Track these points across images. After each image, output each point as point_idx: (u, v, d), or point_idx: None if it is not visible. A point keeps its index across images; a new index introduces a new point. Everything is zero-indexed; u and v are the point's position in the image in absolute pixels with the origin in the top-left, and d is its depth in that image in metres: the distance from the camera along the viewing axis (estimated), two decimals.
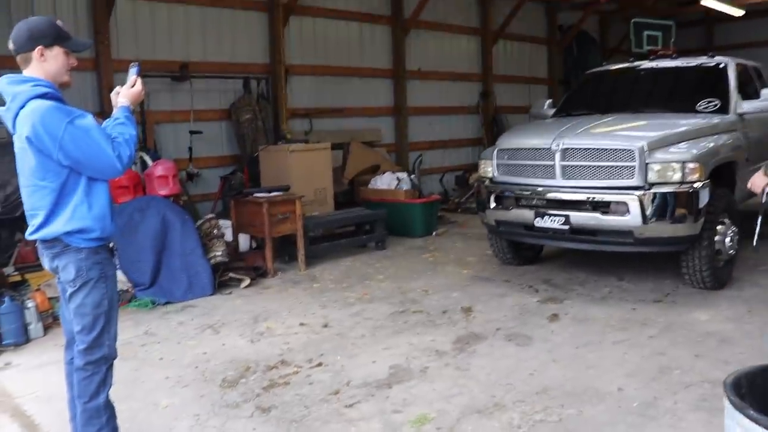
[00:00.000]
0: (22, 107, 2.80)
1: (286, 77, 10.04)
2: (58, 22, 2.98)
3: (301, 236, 7.49)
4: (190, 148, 8.83)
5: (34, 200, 2.93)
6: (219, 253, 6.88)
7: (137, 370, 4.66)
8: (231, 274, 6.92)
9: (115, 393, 3.18)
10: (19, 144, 2.87)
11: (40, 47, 2.88)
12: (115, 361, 3.13)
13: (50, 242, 2.95)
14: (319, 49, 10.81)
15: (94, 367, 3.01)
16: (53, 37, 2.92)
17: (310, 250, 7.72)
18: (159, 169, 7.11)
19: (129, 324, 5.64)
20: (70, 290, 2.97)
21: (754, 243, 3.85)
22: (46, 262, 3.05)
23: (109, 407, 3.08)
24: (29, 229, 3.00)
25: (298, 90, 10.44)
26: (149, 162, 7.53)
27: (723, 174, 6.21)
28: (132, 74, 3.14)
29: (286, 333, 5.36)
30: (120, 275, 6.11)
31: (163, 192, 6.98)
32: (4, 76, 2.91)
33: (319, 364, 4.64)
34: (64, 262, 2.94)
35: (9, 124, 2.88)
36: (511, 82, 14.92)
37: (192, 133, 8.84)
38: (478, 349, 4.82)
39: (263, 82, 9.85)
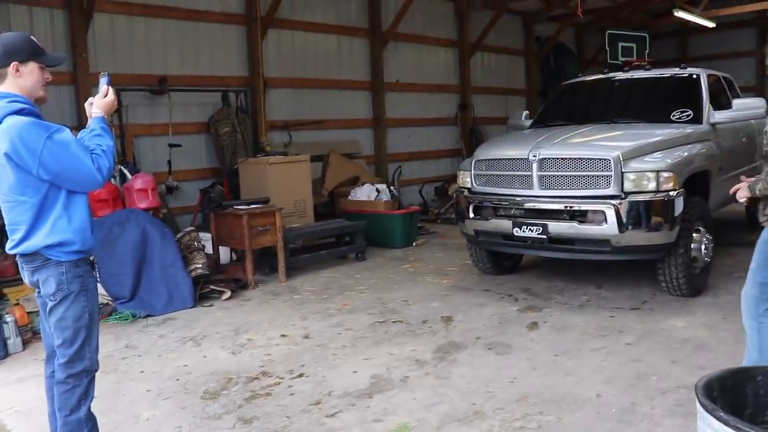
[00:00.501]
0: None
1: (264, 90, 10.07)
2: (33, 38, 3.00)
3: (281, 248, 7.50)
4: (170, 161, 8.81)
5: (14, 215, 2.93)
6: (199, 266, 6.87)
7: (118, 383, 4.65)
8: (212, 287, 6.91)
9: (96, 406, 3.17)
10: None
11: (15, 63, 2.89)
12: (96, 374, 3.12)
13: (30, 256, 2.95)
14: (297, 61, 10.85)
15: (76, 380, 3.00)
16: (28, 52, 2.94)
17: (291, 262, 7.73)
18: (138, 183, 7.10)
19: (109, 337, 5.61)
20: (50, 304, 2.97)
21: None
22: (26, 277, 3.05)
23: (90, 420, 3.08)
24: (9, 244, 2.99)
25: (276, 102, 10.47)
26: (128, 175, 7.51)
27: (697, 183, 6.32)
28: (102, 84, 3.17)
29: (267, 344, 5.36)
30: (100, 289, 6.08)
31: (142, 205, 6.97)
32: None
33: (300, 375, 4.65)
34: (45, 275, 2.95)
35: None
36: (489, 94, 15.06)
37: (171, 146, 8.82)
38: (458, 358, 4.86)
39: (242, 94, 9.86)
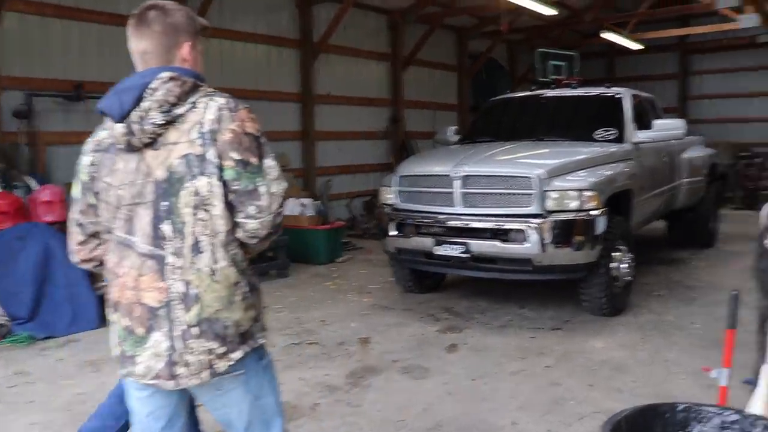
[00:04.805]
0: None
1: None
2: None
3: None
4: None
5: None
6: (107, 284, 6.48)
7: (1, 416, 4.27)
8: None
9: None
10: None
11: None
12: None
13: None
14: (225, 71, 10.53)
15: None
16: None
17: None
18: (45, 194, 6.68)
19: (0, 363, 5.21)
20: None
21: None
22: None
23: None
24: None
25: None
26: (35, 186, 7.07)
27: (620, 202, 6.30)
28: None
29: None
30: None
31: (48, 218, 6.54)
32: None
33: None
34: None
35: None
36: (421, 108, 15.00)
37: None
38: (372, 383, 4.66)
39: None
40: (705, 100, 18.97)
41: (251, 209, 1.99)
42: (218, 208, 1.98)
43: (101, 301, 6.22)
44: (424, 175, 6.30)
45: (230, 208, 2.00)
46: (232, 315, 2.00)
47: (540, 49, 13.67)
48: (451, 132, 7.97)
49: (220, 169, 1.97)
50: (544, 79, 12.26)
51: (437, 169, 6.21)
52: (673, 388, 4.48)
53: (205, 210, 1.97)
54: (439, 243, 5.98)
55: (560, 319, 6.12)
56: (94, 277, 6.40)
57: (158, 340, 1.97)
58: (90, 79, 8.63)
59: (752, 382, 2.97)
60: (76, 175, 2.16)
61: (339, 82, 12.72)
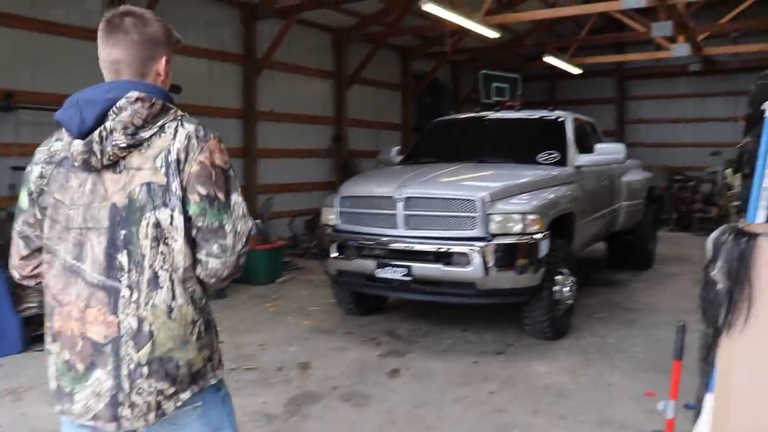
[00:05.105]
0: None
1: None
2: None
3: None
4: (12, 186, 7.99)
5: None
6: (33, 305, 6.15)
7: None
8: None
9: None
10: None
11: None
12: None
13: None
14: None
15: None
16: None
17: None
18: None
19: None
20: None
21: None
22: None
23: None
24: None
25: None
26: None
27: (562, 225, 6.30)
28: None
29: None
30: None
31: None
32: None
33: None
34: None
35: None
36: (364, 127, 14.93)
37: (15, 169, 8.01)
38: (311, 412, 4.49)
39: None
40: (641, 125, 19.46)
41: (214, 248, 1.87)
42: (179, 242, 1.84)
43: (26, 323, 5.93)
44: (367, 196, 6.19)
45: (191, 243, 1.87)
46: (186, 355, 1.87)
47: (484, 71, 13.83)
48: (394, 152, 7.89)
49: (184, 202, 1.85)
50: (488, 101, 12.38)
51: (380, 190, 6.11)
52: (616, 413, 4.45)
53: (166, 243, 1.84)
54: (381, 265, 5.86)
55: (503, 343, 6.07)
56: (17, 298, 6.07)
57: (100, 378, 1.82)
58: (22, 89, 8.28)
59: (693, 407, 2.95)
60: (23, 184, 2.00)
61: (282, 99, 12.55)
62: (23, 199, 1.99)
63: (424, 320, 6.83)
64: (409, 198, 5.81)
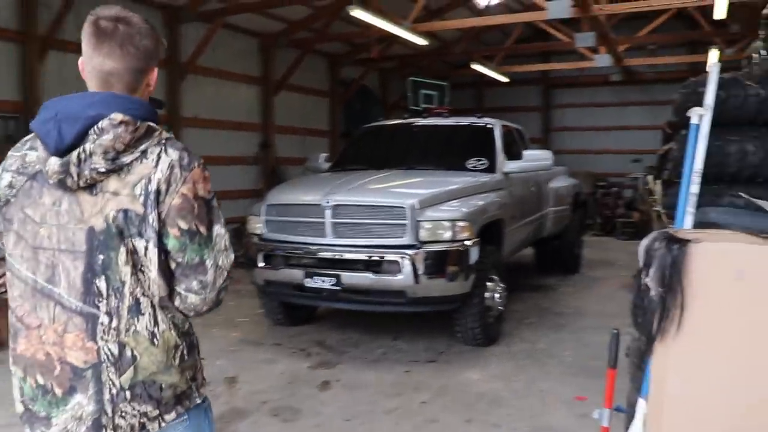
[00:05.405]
0: None
1: None
2: None
3: None
4: None
5: None
6: None
7: None
8: None
9: None
10: None
11: None
12: None
13: None
14: (83, 89, 9.80)
15: None
16: None
17: None
18: None
19: None
20: None
21: None
22: None
23: None
24: None
25: None
26: None
27: (491, 231, 6.30)
28: None
29: None
30: None
31: None
32: None
33: None
34: None
35: None
36: (292, 134, 14.72)
37: None
38: (239, 429, 4.32)
39: (13, 121, 8.71)
40: (566, 132, 19.89)
41: (194, 284, 1.77)
42: (153, 273, 1.73)
43: None
44: (294, 204, 6.03)
45: (166, 275, 1.76)
46: (170, 378, 1.77)
47: (412, 78, 13.85)
48: (322, 159, 7.75)
49: (162, 235, 1.73)
50: (416, 108, 12.38)
51: (307, 198, 5.96)
52: (549, 419, 4.44)
53: (142, 272, 1.73)
54: (309, 275, 5.71)
55: (435, 351, 6.01)
56: None
57: (81, 402, 1.71)
58: None
59: (623, 410, 2.94)
60: None
61: (208, 104, 12.24)
62: None
63: (354, 329, 6.71)
64: (338, 206, 5.69)
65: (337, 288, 5.62)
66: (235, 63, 12.91)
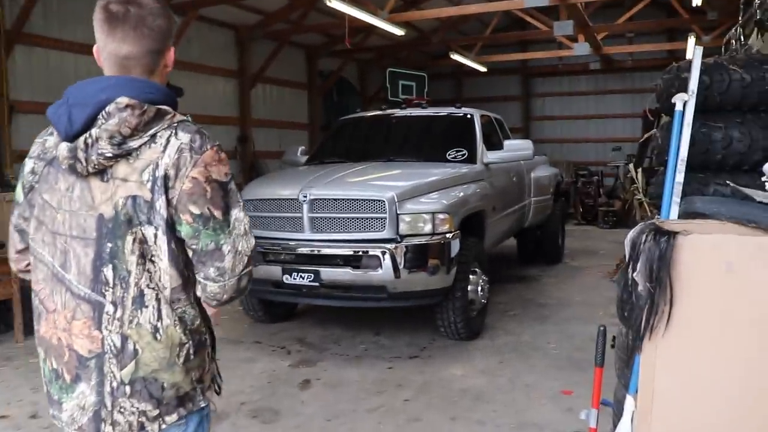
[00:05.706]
0: None
1: (10, 115, 8.77)
2: None
3: (18, 302, 6.35)
4: None
5: None
6: None
7: None
8: None
9: None
10: None
11: None
12: None
13: None
14: (53, 84, 9.61)
15: None
16: None
17: (31, 319, 6.57)
18: None
19: None
20: None
21: None
22: None
23: None
24: None
25: (26, 130, 9.12)
26: None
27: (473, 223, 6.20)
28: None
29: None
30: None
31: None
32: None
33: None
34: None
35: None
36: (270, 127, 14.57)
37: None
38: (216, 431, 4.20)
39: None
40: (546, 121, 19.88)
41: (211, 271, 1.71)
42: (164, 262, 1.69)
43: None
44: (270, 199, 5.88)
45: (177, 265, 1.71)
46: (172, 377, 1.73)
47: (390, 69, 13.74)
48: (299, 152, 7.60)
49: (174, 222, 1.68)
50: (395, 99, 12.27)
51: (284, 192, 5.82)
52: (534, 414, 4.36)
53: (152, 261, 1.69)
54: (287, 271, 5.57)
55: (417, 346, 5.91)
56: None
57: (84, 392, 1.72)
58: None
59: (610, 404, 2.87)
60: (20, 176, 1.83)
61: (183, 98, 11.84)
62: (19, 192, 1.84)
63: (336, 325, 6.60)
64: (315, 200, 5.56)
65: (317, 284, 5.49)
66: (211, 56, 12.73)
